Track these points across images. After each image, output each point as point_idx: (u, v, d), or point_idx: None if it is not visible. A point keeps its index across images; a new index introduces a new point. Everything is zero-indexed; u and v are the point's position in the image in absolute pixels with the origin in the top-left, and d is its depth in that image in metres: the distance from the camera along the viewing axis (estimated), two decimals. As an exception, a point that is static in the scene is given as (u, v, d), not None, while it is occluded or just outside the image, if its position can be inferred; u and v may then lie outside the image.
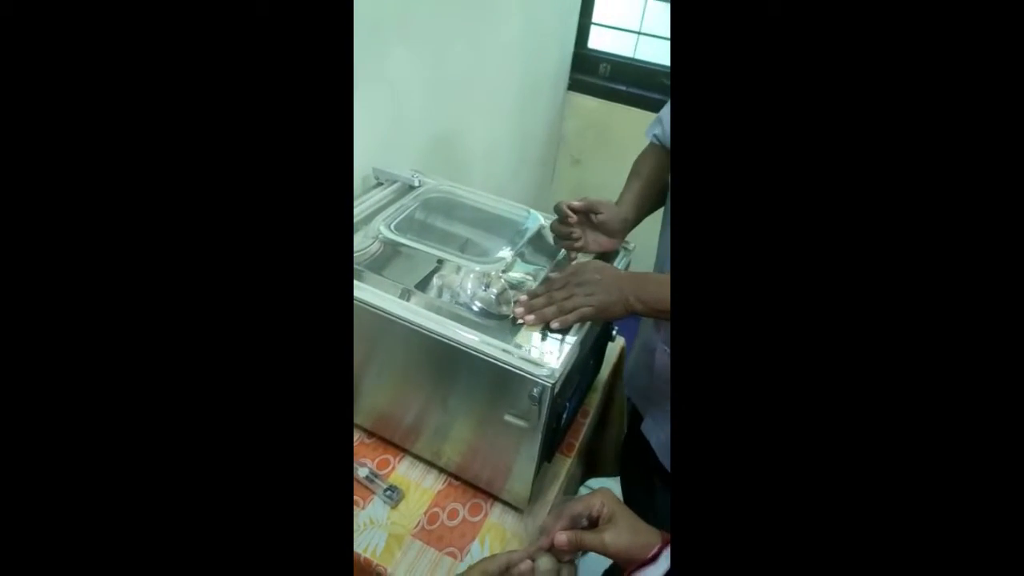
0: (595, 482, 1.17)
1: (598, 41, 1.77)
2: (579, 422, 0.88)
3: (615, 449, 1.08)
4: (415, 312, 0.66)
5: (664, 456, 0.83)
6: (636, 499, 0.93)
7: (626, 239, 0.82)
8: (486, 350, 0.62)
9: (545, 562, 0.53)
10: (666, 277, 0.71)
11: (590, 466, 1.17)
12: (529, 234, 0.78)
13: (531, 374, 0.61)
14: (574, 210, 0.75)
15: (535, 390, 0.61)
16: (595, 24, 1.74)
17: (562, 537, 0.52)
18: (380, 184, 0.90)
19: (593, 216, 0.76)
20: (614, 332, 0.87)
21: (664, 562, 0.48)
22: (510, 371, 0.62)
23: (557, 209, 0.76)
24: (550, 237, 0.80)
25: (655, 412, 0.86)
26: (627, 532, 0.51)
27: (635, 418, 0.93)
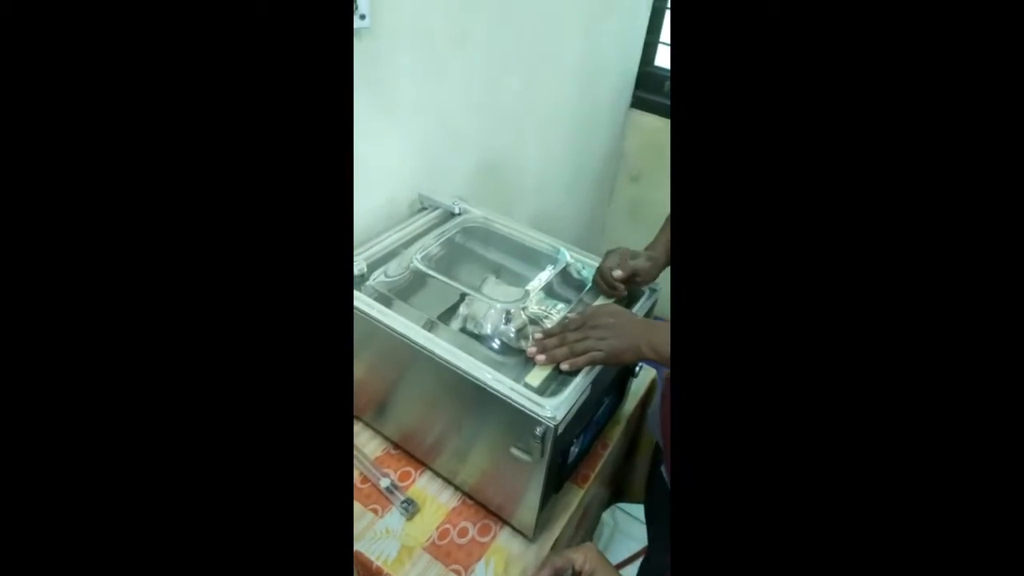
0: (624, 507, 1.19)
1: (666, 59, 1.75)
2: (597, 453, 0.90)
3: (644, 476, 1.09)
4: (435, 343, 0.70)
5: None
6: (658, 535, 0.94)
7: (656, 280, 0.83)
8: (496, 387, 0.66)
9: None
10: (682, 326, 0.72)
11: (618, 491, 1.18)
12: (553, 273, 0.81)
13: (536, 414, 0.64)
14: (618, 279, 0.78)
15: (539, 429, 0.64)
16: (663, 43, 1.72)
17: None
18: (424, 209, 0.95)
19: (635, 278, 0.79)
20: (638, 369, 0.88)
21: None
22: (517, 408, 0.65)
23: (604, 279, 0.79)
24: (575, 271, 0.83)
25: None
26: None
27: (657, 454, 0.94)
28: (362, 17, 0.73)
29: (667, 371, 0.87)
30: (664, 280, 0.85)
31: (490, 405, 0.67)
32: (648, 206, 1.90)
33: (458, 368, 0.68)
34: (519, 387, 0.66)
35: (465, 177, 1.14)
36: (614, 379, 0.82)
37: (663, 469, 0.89)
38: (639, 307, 0.81)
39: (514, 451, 0.68)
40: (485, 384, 0.66)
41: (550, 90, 1.30)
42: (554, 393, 0.66)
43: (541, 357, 0.68)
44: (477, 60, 1.03)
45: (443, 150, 1.05)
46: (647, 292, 0.83)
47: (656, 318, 0.82)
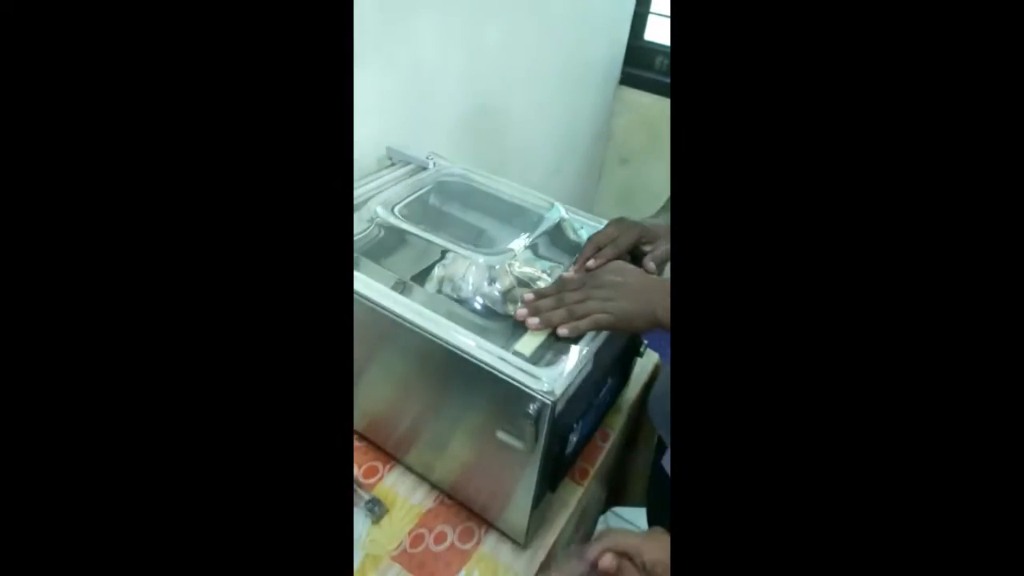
0: (621, 512, 1.06)
1: (656, 33, 1.65)
2: (597, 445, 0.78)
3: (645, 476, 0.97)
4: (407, 307, 0.58)
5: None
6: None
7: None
8: (479, 355, 0.53)
9: None
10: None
11: (615, 493, 1.06)
12: (546, 225, 0.69)
13: (529, 388, 0.51)
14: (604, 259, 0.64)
15: (532, 407, 0.51)
16: (654, 13, 1.62)
17: (608, 561, 0.43)
18: (393, 164, 0.82)
19: (645, 247, 0.65)
20: (643, 347, 0.76)
21: None
22: (505, 381, 0.52)
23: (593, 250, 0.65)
24: (571, 230, 0.70)
25: (679, 443, 0.75)
26: None
27: (659, 448, 0.82)
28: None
29: None
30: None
31: (472, 379, 0.54)
32: (639, 191, 1.79)
33: (433, 335, 0.55)
34: (508, 355, 0.53)
35: (442, 140, 1.02)
36: (618, 356, 0.70)
37: (664, 463, 0.77)
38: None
39: (501, 436, 0.55)
40: (466, 353, 0.54)
41: (533, 51, 1.19)
42: (550, 364, 0.54)
43: (534, 320, 0.55)
44: (454, 7, 0.90)
45: (415, 104, 0.92)
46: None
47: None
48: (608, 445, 0.79)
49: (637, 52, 1.64)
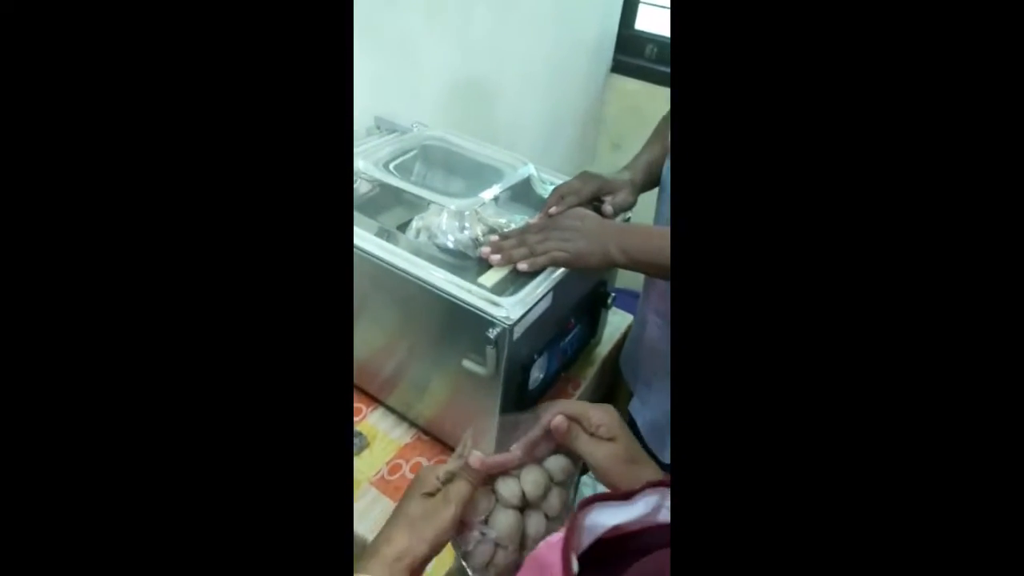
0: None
1: (647, 22, 1.70)
2: (567, 392, 0.83)
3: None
4: (388, 251, 0.63)
5: (652, 439, 0.77)
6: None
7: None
8: (445, 287, 0.59)
9: (553, 461, 0.44)
10: (654, 229, 0.65)
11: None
12: (516, 179, 0.74)
13: (488, 313, 0.57)
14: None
15: (492, 331, 0.57)
16: (644, 3, 1.67)
17: (559, 420, 0.43)
18: (381, 130, 0.88)
19: (605, 196, 0.71)
20: (611, 300, 0.81)
21: (640, 507, 0.38)
22: (467, 310, 0.58)
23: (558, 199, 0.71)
24: (538, 186, 0.76)
25: (642, 390, 0.80)
26: (623, 456, 0.42)
27: (629, 398, 0.87)
28: None
29: (641, 296, 0.80)
30: (638, 205, 0.79)
31: (441, 311, 0.60)
32: (630, 176, 1.84)
33: (409, 273, 0.61)
34: (472, 287, 0.59)
35: (431, 113, 1.07)
36: (583, 301, 0.76)
37: (631, 408, 0.82)
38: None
39: (467, 364, 0.61)
40: (435, 287, 0.60)
41: (522, 33, 1.24)
42: (510, 294, 0.59)
43: (496, 257, 0.61)
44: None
45: (403, 77, 0.98)
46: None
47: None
48: (578, 394, 0.84)
49: (628, 40, 1.70)
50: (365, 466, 0.70)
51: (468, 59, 1.12)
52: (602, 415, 0.43)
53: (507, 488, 0.42)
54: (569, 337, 0.75)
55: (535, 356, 0.65)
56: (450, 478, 0.42)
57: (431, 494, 0.42)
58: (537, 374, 0.69)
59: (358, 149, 0.80)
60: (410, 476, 0.70)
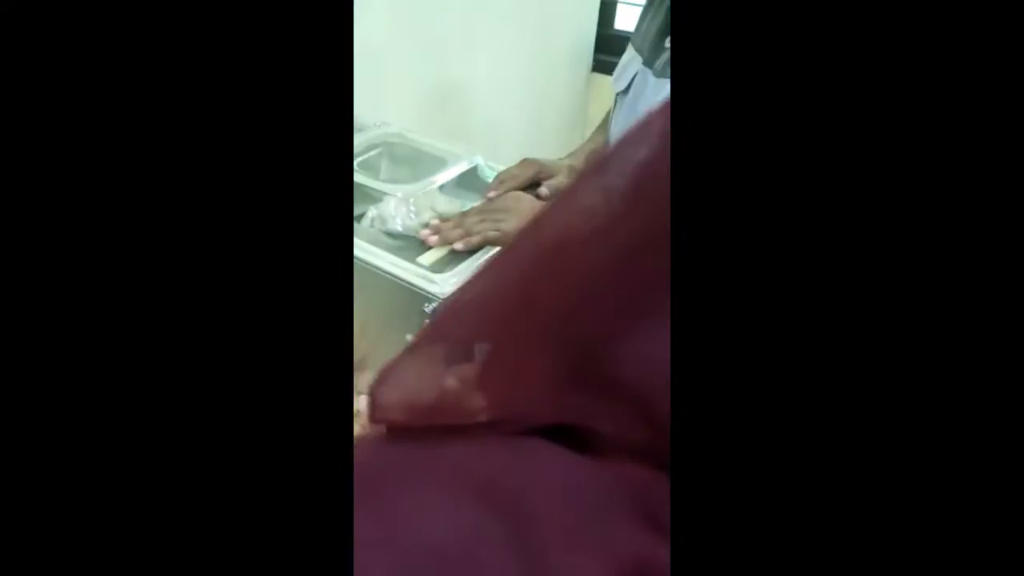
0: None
1: (626, 22, 1.74)
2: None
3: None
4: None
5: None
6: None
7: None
8: (385, 267, 0.63)
9: None
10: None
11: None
12: (459, 169, 0.79)
13: (423, 290, 0.61)
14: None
15: (427, 306, 0.61)
16: (622, 2, 1.71)
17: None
18: (346, 131, 0.94)
19: (544, 183, 0.76)
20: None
21: None
22: (406, 288, 0.62)
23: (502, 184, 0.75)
24: (484, 174, 0.80)
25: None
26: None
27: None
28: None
29: None
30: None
31: (385, 290, 0.65)
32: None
33: (357, 257, 0.66)
34: (410, 266, 0.63)
35: (404, 115, 1.12)
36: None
37: None
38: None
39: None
40: (377, 267, 0.64)
41: (494, 29, 1.29)
42: (446, 272, 0.63)
43: (434, 238, 0.66)
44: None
45: (368, 75, 1.03)
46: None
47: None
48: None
49: (608, 40, 1.74)
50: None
51: (436, 62, 1.17)
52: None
53: None
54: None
55: (477, 331, 0.69)
56: None
57: None
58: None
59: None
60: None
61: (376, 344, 0.72)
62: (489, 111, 1.38)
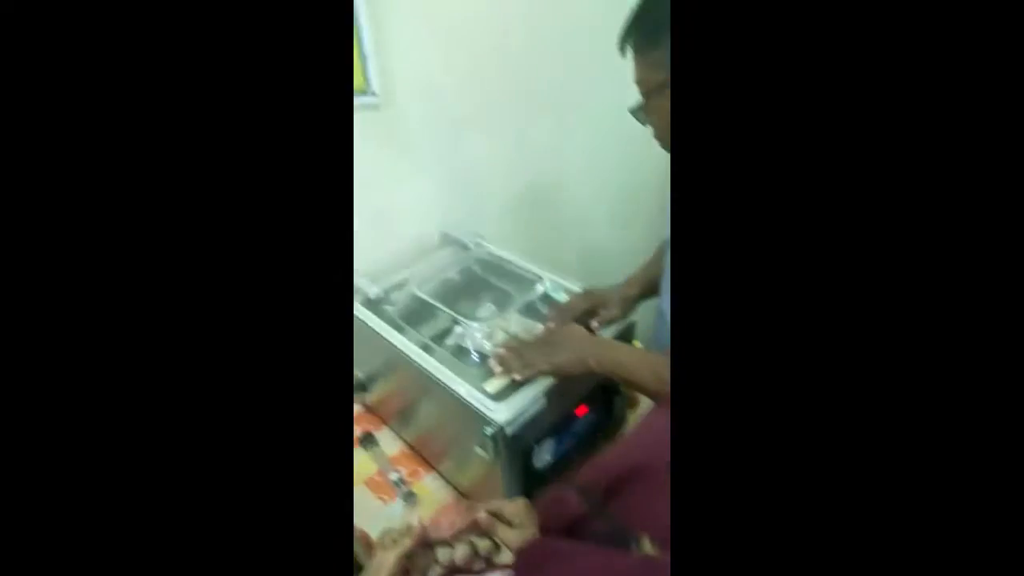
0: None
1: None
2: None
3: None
4: (421, 357, 0.85)
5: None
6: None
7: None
8: (456, 389, 0.78)
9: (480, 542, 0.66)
10: (629, 348, 0.80)
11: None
12: (532, 297, 0.93)
13: (485, 416, 0.75)
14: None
15: (488, 429, 0.75)
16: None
17: (482, 515, 0.66)
18: (447, 246, 1.12)
19: (599, 310, 0.88)
20: (622, 387, 0.95)
21: None
22: (472, 410, 0.77)
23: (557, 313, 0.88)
24: (555, 295, 0.94)
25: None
26: (528, 536, 0.62)
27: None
28: (374, 94, 0.93)
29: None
30: (640, 309, 0.92)
31: (458, 410, 0.80)
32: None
33: (431, 375, 0.82)
34: (475, 392, 0.78)
35: (496, 215, 1.29)
36: (590, 394, 0.91)
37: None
38: (608, 333, 0.89)
39: (478, 450, 0.79)
40: (453, 391, 0.79)
41: (589, 118, 1.41)
42: (506, 400, 0.77)
43: (498, 368, 0.79)
44: (498, 114, 1.18)
45: (468, 192, 1.21)
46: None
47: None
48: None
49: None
50: (411, 518, 0.91)
51: (532, 161, 1.32)
52: (513, 508, 0.61)
53: (443, 554, 0.61)
54: (579, 423, 0.90)
55: (533, 445, 0.82)
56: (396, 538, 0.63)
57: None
58: (546, 457, 0.85)
59: (420, 266, 1.04)
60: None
61: (448, 447, 0.87)
62: (578, 202, 1.50)
